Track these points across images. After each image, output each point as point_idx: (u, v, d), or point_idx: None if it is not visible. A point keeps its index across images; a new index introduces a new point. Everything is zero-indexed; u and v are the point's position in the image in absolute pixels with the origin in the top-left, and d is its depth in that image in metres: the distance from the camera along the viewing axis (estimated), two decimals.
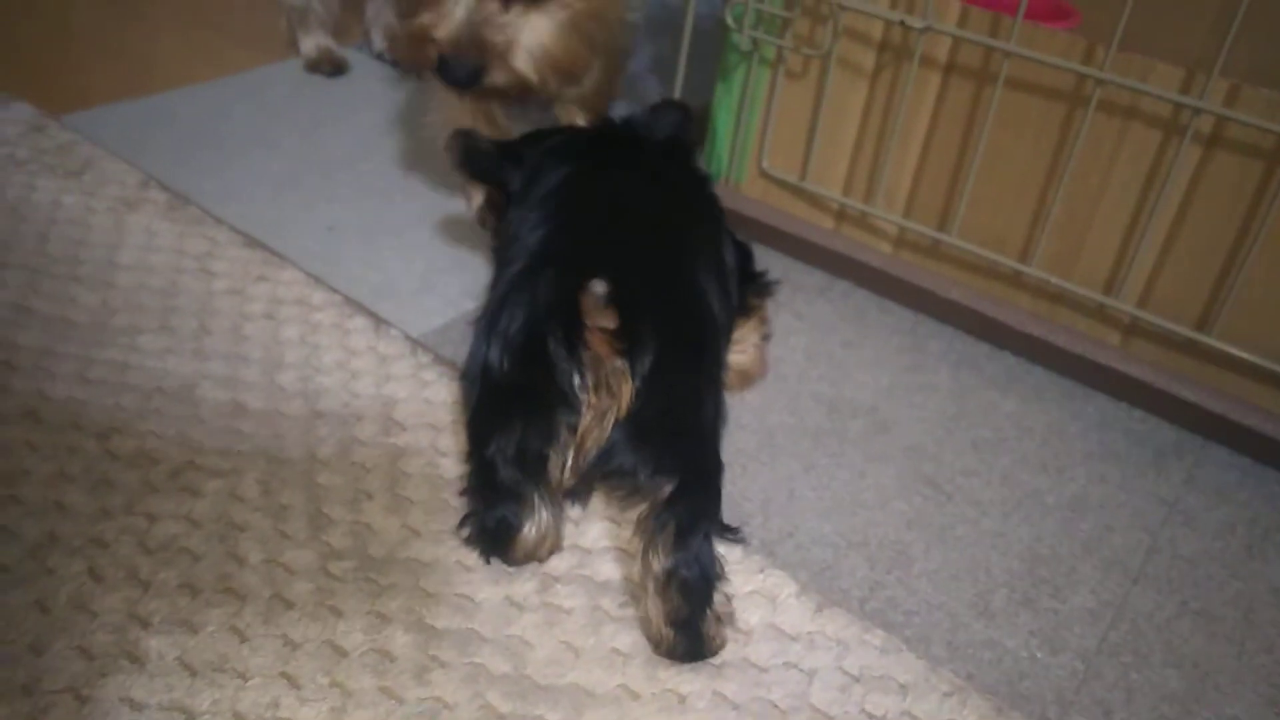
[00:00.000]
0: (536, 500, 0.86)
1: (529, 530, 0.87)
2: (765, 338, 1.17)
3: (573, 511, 0.95)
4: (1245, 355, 1.08)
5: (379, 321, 1.16)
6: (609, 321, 0.75)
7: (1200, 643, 0.92)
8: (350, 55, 1.87)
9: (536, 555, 0.89)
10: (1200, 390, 1.13)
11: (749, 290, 1.10)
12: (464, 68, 1.13)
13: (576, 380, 0.77)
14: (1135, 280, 1.15)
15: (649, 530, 0.80)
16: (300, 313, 1.15)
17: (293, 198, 1.43)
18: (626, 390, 0.77)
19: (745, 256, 1.11)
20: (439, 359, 1.12)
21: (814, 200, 1.36)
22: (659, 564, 0.79)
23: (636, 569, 0.83)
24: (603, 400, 0.78)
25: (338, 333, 1.13)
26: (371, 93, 1.76)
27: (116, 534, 0.87)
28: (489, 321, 0.83)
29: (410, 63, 1.21)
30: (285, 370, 1.07)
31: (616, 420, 0.78)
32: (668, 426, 0.80)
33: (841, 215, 1.36)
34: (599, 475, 0.82)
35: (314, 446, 0.98)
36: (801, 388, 1.18)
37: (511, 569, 0.89)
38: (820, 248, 1.37)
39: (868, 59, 1.26)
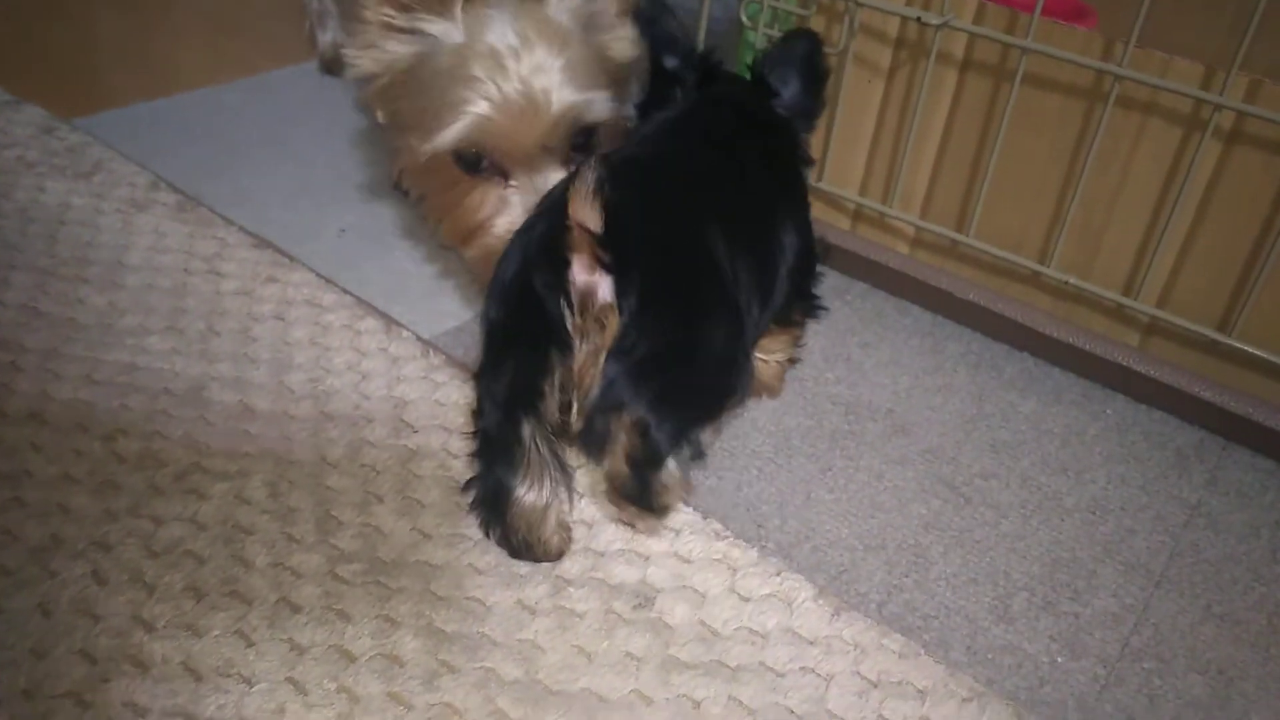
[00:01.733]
0: (534, 456, 0.84)
1: (524, 493, 0.85)
2: (793, 360, 1.14)
3: (583, 494, 0.94)
4: (1268, 356, 1.06)
5: (390, 323, 1.15)
6: (593, 221, 0.72)
7: (1225, 648, 0.91)
8: None
9: (541, 532, 0.87)
10: (1222, 391, 1.11)
11: (796, 305, 1.07)
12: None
13: (565, 314, 0.76)
14: (1155, 280, 1.13)
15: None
16: (310, 314, 1.14)
17: (305, 201, 1.42)
18: (613, 322, 0.75)
19: (808, 270, 1.06)
20: (451, 360, 1.10)
21: (831, 200, 1.35)
22: (629, 416, 0.78)
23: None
24: (592, 333, 0.76)
25: (348, 334, 1.12)
26: None
27: (121, 537, 0.86)
28: (494, 277, 0.82)
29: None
30: (294, 371, 1.06)
31: (608, 353, 0.76)
32: (662, 363, 0.78)
33: (858, 215, 1.34)
34: (600, 414, 0.78)
35: (323, 449, 0.97)
36: (819, 389, 1.17)
37: (523, 570, 0.87)
38: (837, 248, 1.35)
39: (884, 57, 1.24)
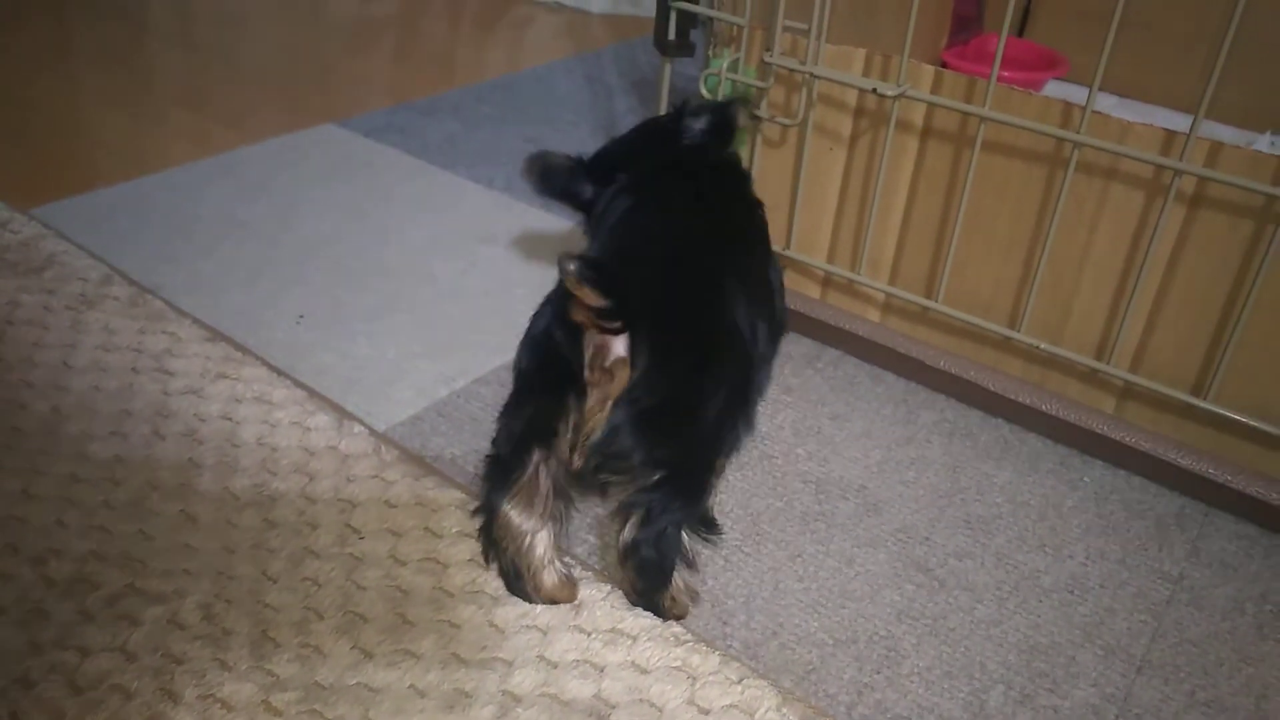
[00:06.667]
0: (532, 483, 0.88)
1: (508, 509, 0.88)
2: None
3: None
4: (1245, 419, 1.03)
5: (343, 417, 1.11)
6: (590, 298, 0.78)
7: None
8: (332, 130, 1.85)
9: (529, 560, 0.90)
10: (1199, 457, 1.08)
11: None
12: None
13: (584, 365, 0.82)
14: (1127, 343, 1.10)
15: (626, 506, 0.86)
16: (259, 412, 1.11)
17: (264, 285, 1.39)
18: (623, 374, 0.81)
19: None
20: (405, 455, 1.07)
21: (799, 268, 1.32)
22: (624, 536, 0.86)
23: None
24: (602, 382, 0.83)
25: (297, 431, 1.08)
26: (349, 168, 1.72)
27: (44, 672, 0.81)
28: (527, 331, 0.89)
29: None
30: (239, 476, 1.02)
31: (615, 402, 0.82)
32: (666, 417, 0.84)
33: (828, 283, 1.31)
34: (602, 458, 0.84)
35: (264, 562, 0.93)
36: (789, 467, 1.13)
37: (469, 687, 0.83)
38: (807, 317, 1.32)
39: (844, 125, 1.21)
